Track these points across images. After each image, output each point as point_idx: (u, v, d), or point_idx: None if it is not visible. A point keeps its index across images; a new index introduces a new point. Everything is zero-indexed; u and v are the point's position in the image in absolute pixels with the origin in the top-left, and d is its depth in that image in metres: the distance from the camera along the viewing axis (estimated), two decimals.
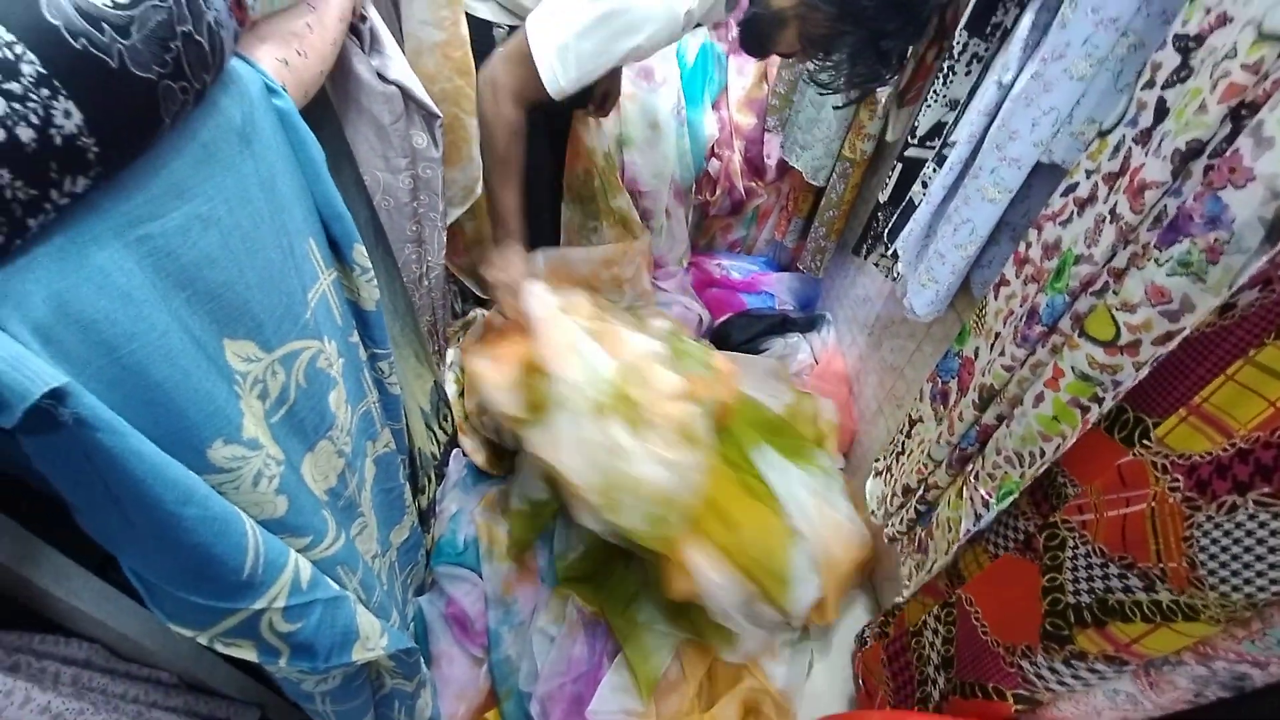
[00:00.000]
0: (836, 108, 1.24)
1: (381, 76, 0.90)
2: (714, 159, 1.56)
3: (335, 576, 0.62)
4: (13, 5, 0.31)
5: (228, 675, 0.75)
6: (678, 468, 0.96)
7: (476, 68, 1.02)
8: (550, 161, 1.29)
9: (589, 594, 1.12)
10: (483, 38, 1.05)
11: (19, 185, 0.31)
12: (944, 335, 1.16)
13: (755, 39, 0.92)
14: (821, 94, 1.04)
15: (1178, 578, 0.56)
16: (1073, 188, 0.76)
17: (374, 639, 0.62)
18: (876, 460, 1.23)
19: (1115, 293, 0.65)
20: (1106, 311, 0.66)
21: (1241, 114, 0.55)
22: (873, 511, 1.12)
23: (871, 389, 1.42)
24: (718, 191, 1.60)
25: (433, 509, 1.20)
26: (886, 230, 1.13)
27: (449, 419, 1.30)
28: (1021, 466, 0.79)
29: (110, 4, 0.36)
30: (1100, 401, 0.67)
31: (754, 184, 1.63)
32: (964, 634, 0.86)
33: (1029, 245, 0.82)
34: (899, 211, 1.09)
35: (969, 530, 0.86)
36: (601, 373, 0.97)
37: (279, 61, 0.61)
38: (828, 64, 0.85)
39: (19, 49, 0.31)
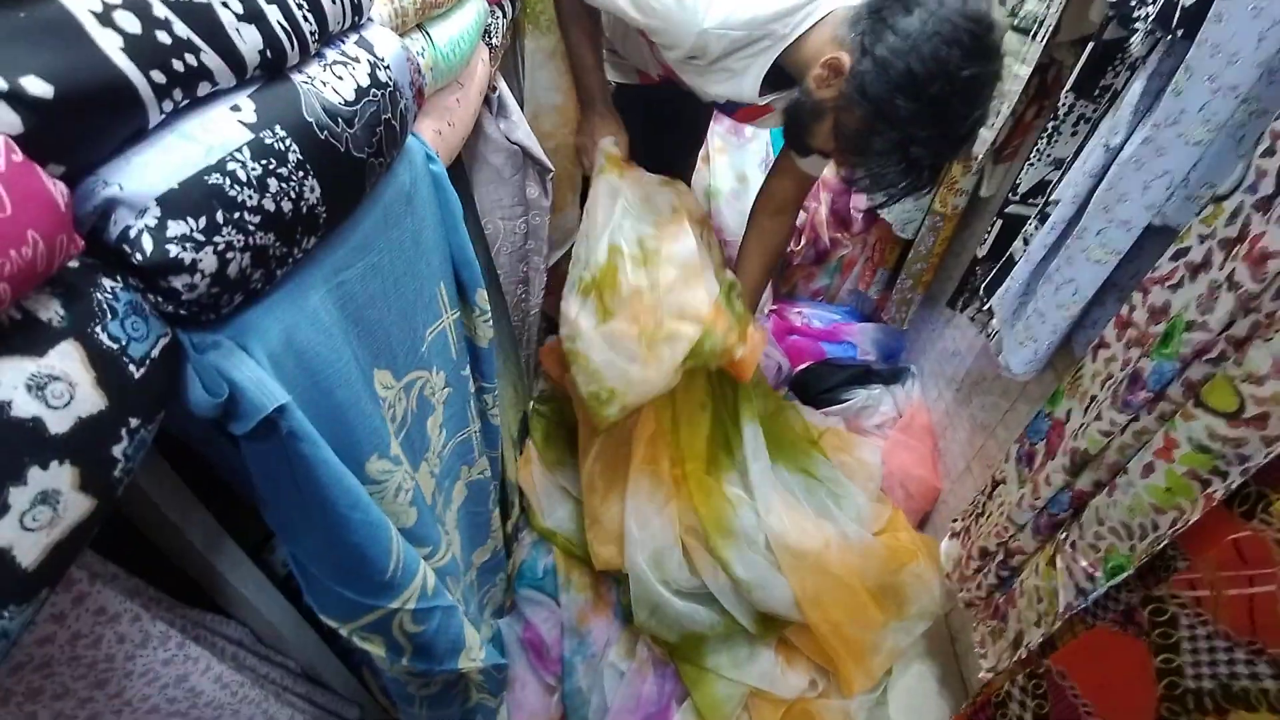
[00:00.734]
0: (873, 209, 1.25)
1: (506, 137, 1.01)
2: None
3: (443, 587, 0.69)
4: (285, 109, 0.41)
5: (338, 672, 0.82)
6: (616, 365, 0.99)
7: None
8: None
9: (660, 633, 1.14)
10: None
11: (278, 245, 0.40)
12: (1040, 395, 1.14)
13: (795, 129, 0.92)
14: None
15: None
16: (1184, 252, 0.75)
17: (475, 650, 0.68)
18: (954, 521, 1.20)
19: (1238, 363, 0.64)
20: (1228, 382, 0.65)
21: None
22: (948, 574, 1.09)
23: (959, 446, 1.39)
24: (803, 241, 1.64)
25: (517, 534, 1.27)
26: (984, 285, 1.13)
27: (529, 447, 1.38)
28: (1131, 539, 0.76)
29: (343, 102, 0.45)
30: (1224, 476, 0.65)
31: (839, 235, 1.66)
32: (1061, 713, 0.82)
33: (1133, 308, 0.81)
34: (998, 267, 1.09)
35: (1070, 604, 0.83)
36: (597, 254, 1.01)
37: (435, 132, 0.72)
38: (859, 167, 0.83)
39: (288, 141, 0.40)
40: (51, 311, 0.30)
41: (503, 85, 1.01)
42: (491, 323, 0.85)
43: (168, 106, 0.34)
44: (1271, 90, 0.71)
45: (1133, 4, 0.78)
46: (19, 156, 0.27)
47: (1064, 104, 0.96)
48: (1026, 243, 1.04)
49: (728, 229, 1.56)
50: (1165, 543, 0.71)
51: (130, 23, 0.32)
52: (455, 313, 0.79)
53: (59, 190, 0.29)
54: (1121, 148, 0.81)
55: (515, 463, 1.32)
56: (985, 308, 1.13)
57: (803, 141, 0.93)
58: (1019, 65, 1.03)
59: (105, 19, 0.31)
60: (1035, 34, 1.00)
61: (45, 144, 0.29)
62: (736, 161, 1.51)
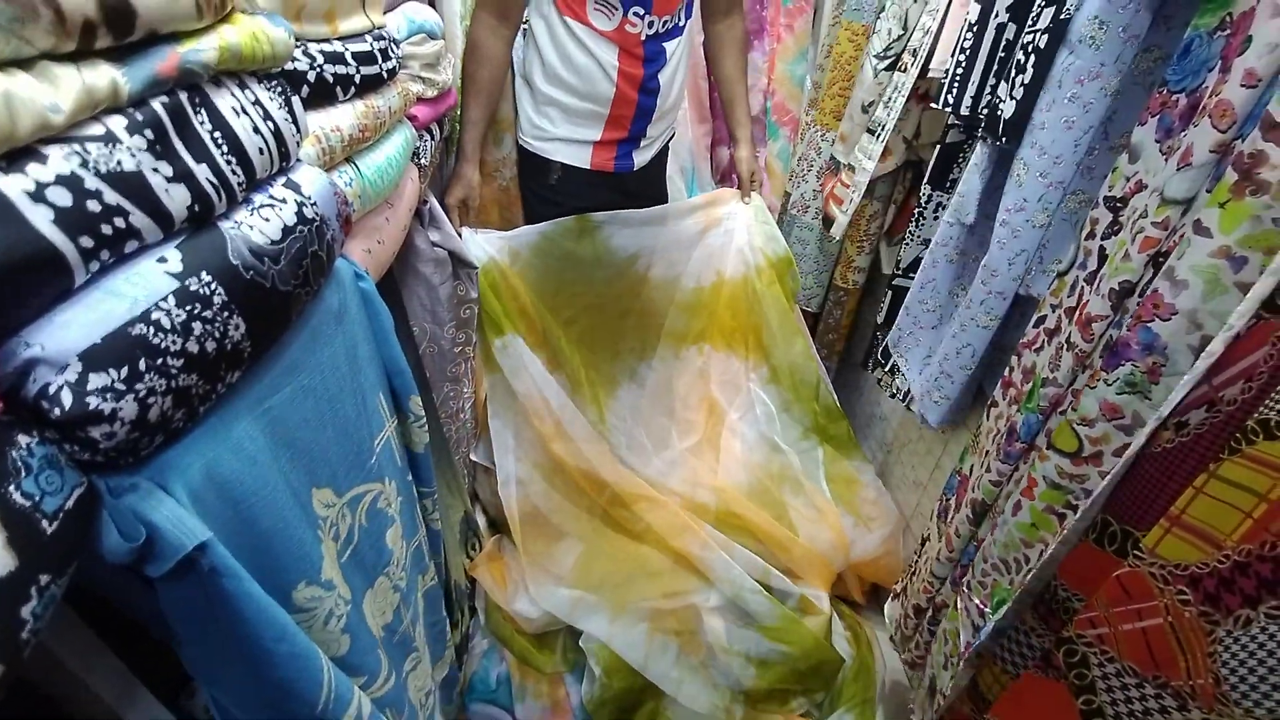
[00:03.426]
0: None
1: (436, 245, 1.06)
2: None
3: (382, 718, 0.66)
4: (210, 256, 0.44)
5: None
6: None
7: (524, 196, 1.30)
8: None
9: None
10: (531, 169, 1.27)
11: (201, 384, 0.42)
12: (958, 451, 1.22)
13: None
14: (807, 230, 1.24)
15: (1205, 695, 0.58)
16: (1042, 319, 0.86)
17: None
18: (895, 583, 1.24)
19: (1074, 409, 0.73)
20: (1068, 426, 0.74)
21: (1160, 260, 0.66)
22: (891, 636, 1.12)
23: (899, 506, 1.45)
24: None
25: (465, 644, 1.21)
26: (881, 351, 1.24)
27: (478, 548, 1.34)
28: (1010, 573, 0.82)
29: (270, 242, 0.49)
30: (1075, 509, 0.72)
31: None
32: None
33: (1011, 370, 0.91)
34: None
35: (969, 643, 0.87)
36: None
37: (365, 251, 0.75)
38: None
39: (213, 285, 0.43)
40: None
41: (433, 199, 1.07)
42: (426, 427, 0.86)
43: (94, 267, 0.37)
44: (1093, 184, 0.84)
45: (982, 116, 0.93)
46: None
47: (924, 194, 1.10)
48: (908, 311, 1.16)
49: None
50: (1048, 580, 0.77)
51: (61, 197, 0.34)
52: (394, 420, 0.80)
53: None
54: (971, 226, 0.94)
55: (462, 566, 1.28)
56: (888, 368, 1.22)
57: None
58: (866, 160, 1.18)
59: (37, 196, 0.33)
60: (879, 135, 1.15)
61: None
62: None
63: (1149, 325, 0.65)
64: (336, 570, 0.61)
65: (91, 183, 0.36)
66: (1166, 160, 0.69)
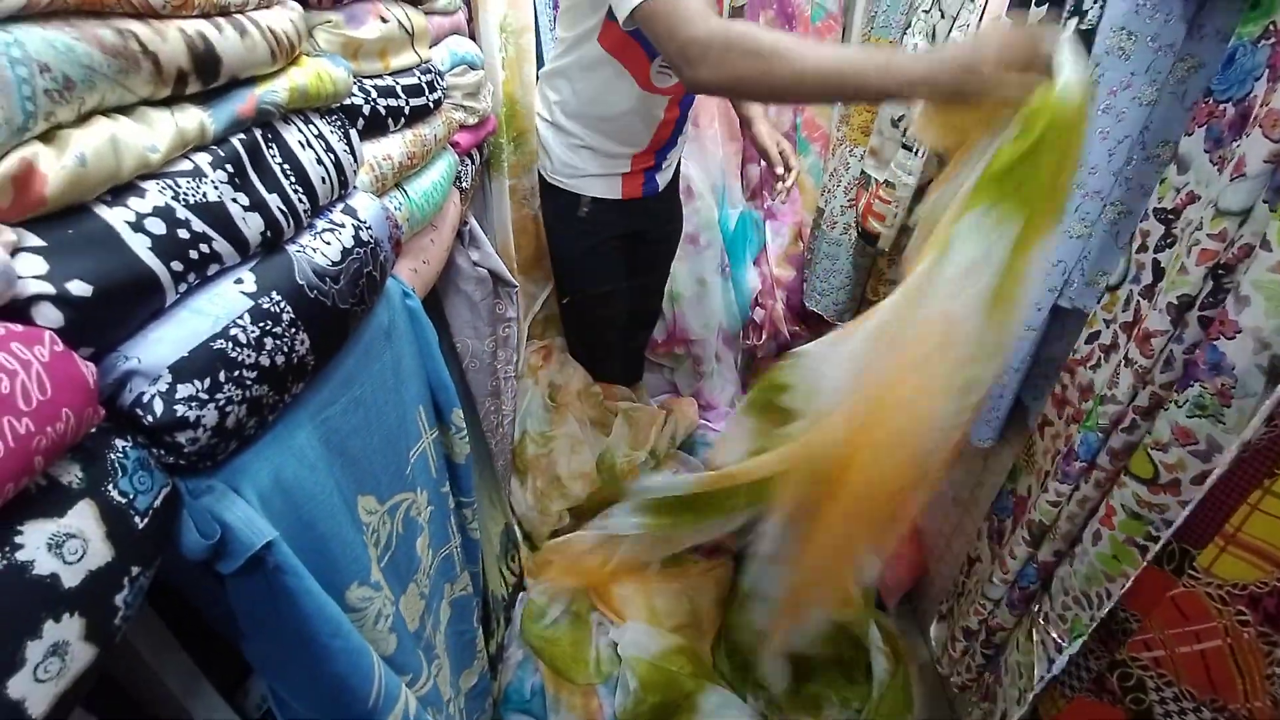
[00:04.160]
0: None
1: (477, 265, 1.11)
2: (759, 308, 1.73)
3: (425, 715, 0.69)
4: (280, 276, 0.48)
5: None
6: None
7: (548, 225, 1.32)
8: (626, 299, 1.43)
9: None
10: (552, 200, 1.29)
11: (271, 394, 0.46)
12: (1002, 469, 1.20)
13: None
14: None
15: (1263, 718, 0.56)
16: (1095, 335, 0.84)
17: None
18: (941, 603, 1.21)
19: (1149, 432, 0.72)
20: (1144, 451, 0.72)
21: (1220, 272, 0.65)
22: (938, 659, 1.10)
23: (937, 524, 1.42)
24: (764, 336, 1.74)
25: (500, 654, 1.24)
26: None
27: (517, 560, 1.37)
28: (1091, 609, 0.80)
29: (331, 263, 0.53)
30: (1156, 540, 0.70)
31: (798, 328, 1.77)
32: None
33: (1065, 387, 0.89)
34: None
35: (1043, 677, 0.85)
36: None
37: (412, 270, 0.80)
38: None
39: (282, 304, 0.47)
40: (71, 475, 0.35)
41: (473, 220, 1.12)
42: (468, 439, 0.89)
43: (183, 288, 0.41)
44: (1131, 194, 0.83)
45: None
46: (60, 347, 0.33)
47: None
48: None
49: (692, 329, 1.66)
50: (1110, 605, 0.75)
51: (158, 226, 0.39)
52: (434, 433, 0.83)
53: (89, 371, 0.34)
54: None
55: (500, 576, 1.31)
56: None
57: None
58: (906, 176, 1.18)
59: (137, 226, 0.38)
60: (917, 151, 1.15)
61: (81, 332, 0.35)
62: (695, 268, 1.63)
63: (1215, 344, 0.63)
64: (381, 575, 0.64)
65: (182, 213, 0.40)
66: (1219, 171, 0.68)
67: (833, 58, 0.73)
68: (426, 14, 0.86)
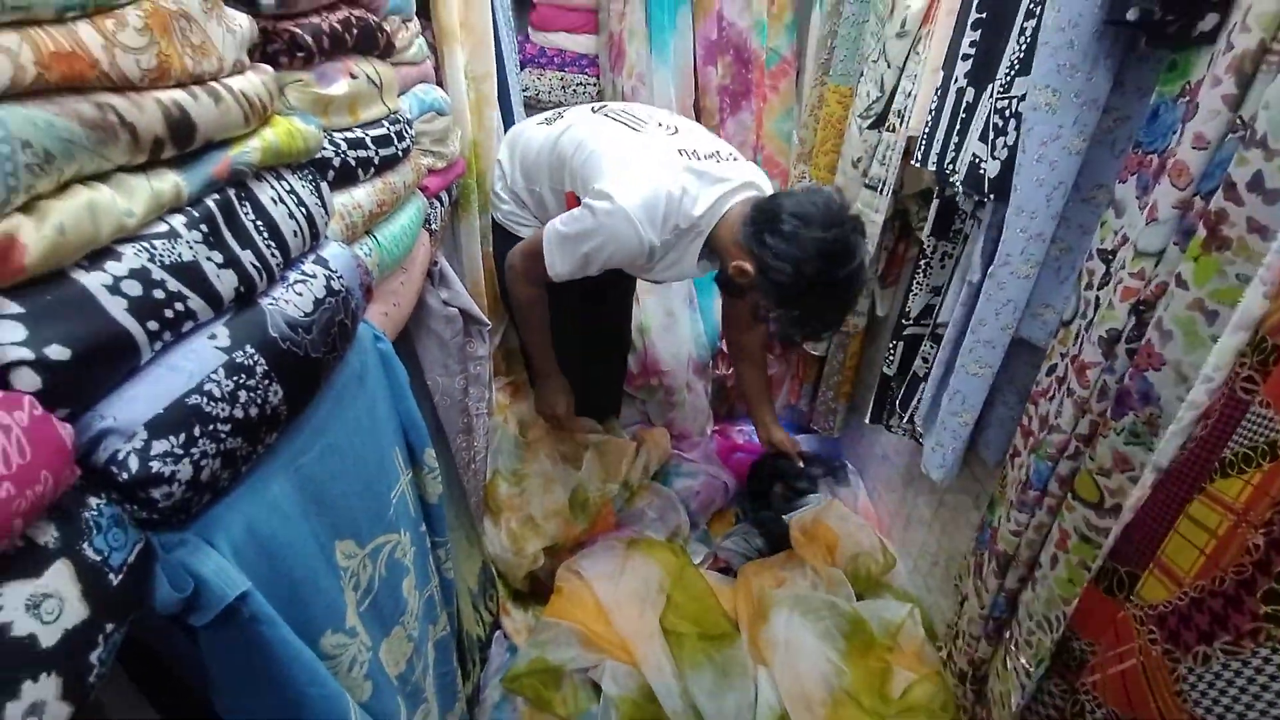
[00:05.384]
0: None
1: (447, 303, 1.13)
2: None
3: None
4: (253, 330, 0.49)
5: None
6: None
7: (498, 264, 1.36)
8: (576, 326, 1.46)
9: None
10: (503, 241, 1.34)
11: (244, 446, 0.47)
12: (963, 489, 1.24)
13: (728, 289, 1.24)
14: None
15: None
16: (1053, 369, 0.89)
17: None
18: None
19: (1092, 458, 0.76)
20: (1089, 477, 0.76)
21: (1141, 309, 0.70)
22: None
23: (906, 546, 1.46)
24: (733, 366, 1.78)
25: (477, 695, 1.22)
26: (899, 401, 1.27)
27: (495, 599, 1.36)
28: (1051, 632, 0.83)
29: (303, 314, 0.54)
30: (1098, 560, 0.74)
31: (769, 356, 1.81)
32: None
33: (1030, 419, 0.93)
34: (907, 383, 1.24)
35: (1019, 703, 0.88)
36: None
37: (383, 314, 0.81)
38: (775, 323, 1.09)
39: (255, 356, 0.48)
40: (48, 535, 0.35)
41: (443, 260, 1.14)
42: (440, 479, 0.90)
43: (158, 346, 0.42)
44: (1071, 233, 0.90)
45: (948, 173, 0.99)
46: (39, 411, 0.34)
47: (929, 245, 1.16)
48: (925, 360, 1.19)
49: (662, 360, 1.69)
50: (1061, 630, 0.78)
51: (134, 288, 0.40)
52: (409, 473, 0.84)
53: (67, 432, 0.35)
54: (979, 283, 0.99)
55: (477, 616, 1.30)
56: (906, 421, 1.25)
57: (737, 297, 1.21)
58: (874, 214, 1.24)
59: (114, 289, 0.39)
60: (880, 190, 1.22)
61: (58, 395, 0.36)
62: (663, 300, 1.67)
63: (1144, 374, 0.68)
64: (357, 618, 0.64)
65: (157, 274, 0.42)
66: (1143, 215, 0.74)
67: (534, 345, 1.34)
68: (395, 65, 0.90)
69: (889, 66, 1.19)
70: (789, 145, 1.65)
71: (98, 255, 0.40)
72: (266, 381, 0.49)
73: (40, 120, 0.36)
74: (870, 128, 1.25)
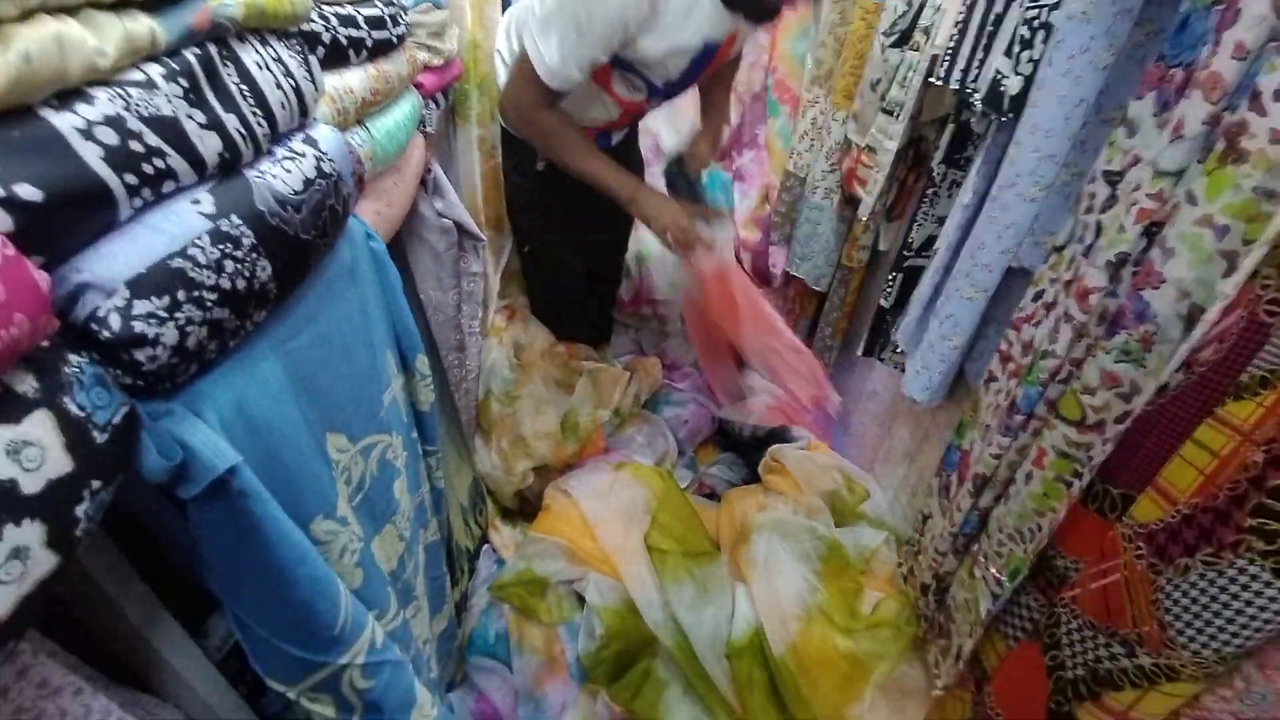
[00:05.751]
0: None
1: (441, 214, 1.09)
2: None
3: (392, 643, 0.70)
4: (240, 200, 0.47)
5: None
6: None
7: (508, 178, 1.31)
8: (581, 249, 1.44)
9: (617, 691, 1.15)
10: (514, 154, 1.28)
11: (232, 319, 0.45)
12: (948, 423, 1.26)
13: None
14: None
15: (1153, 640, 0.62)
16: (1040, 294, 0.89)
17: (428, 708, 0.69)
18: (899, 564, 1.28)
19: (1078, 379, 0.76)
20: (1073, 396, 0.77)
21: (1153, 230, 0.69)
22: None
23: (886, 479, 1.49)
24: None
25: (464, 602, 1.26)
26: (894, 331, 1.27)
27: (484, 514, 1.39)
28: (1024, 543, 0.86)
29: (292, 191, 0.52)
30: (1080, 477, 0.76)
31: (762, 290, 1.79)
32: None
33: (1010, 345, 0.94)
34: (905, 315, 1.23)
35: (989, 610, 0.91)
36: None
37: (375, 213, 0.78)
38: None
39: (242, 227, 0.46)
40: (26, 384, 0.34)
41: (437, 168, 1.10)
42: (432, 387, 0.90)
43: (137, 203, 0.40)
44: (1084, 157, 0.87)
45: (969, 92, 0.95)
46: (11, 251, 0.32)
47: (938, 173, 1.12)
48: None
49: (658, 289, 1.67)
50: (1047, 548, 0.81)
51: (109, 136, 0.37)
52: (401, 378, 0.83)
53: (42, 278, 0.34)
54: (972, 205, 0.96)
55: (466, 529, 1.32)
56: (899, 350, 1.25)
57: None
58: (888, 141, 1.20)
59: (87, 134, 0.36)
60: (897, 115, 1.17)
61: (32, 239, 0.34)
62: None
63: (1141, 294, 0.68)
64: (349, 510, 0.65)
65: (134, 125, 0.39)
66: (1162, 133, 0.71)
67: (590, 169, 1.13)
68: None
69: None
70: (802, 67, 1.57)
71: (68, 96, 0.37)
72: (254, 255, 0.47)
73: None
74: (893, 45, 1.19)
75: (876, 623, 1.22)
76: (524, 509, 1.49)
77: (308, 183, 0.54)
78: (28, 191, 0.33)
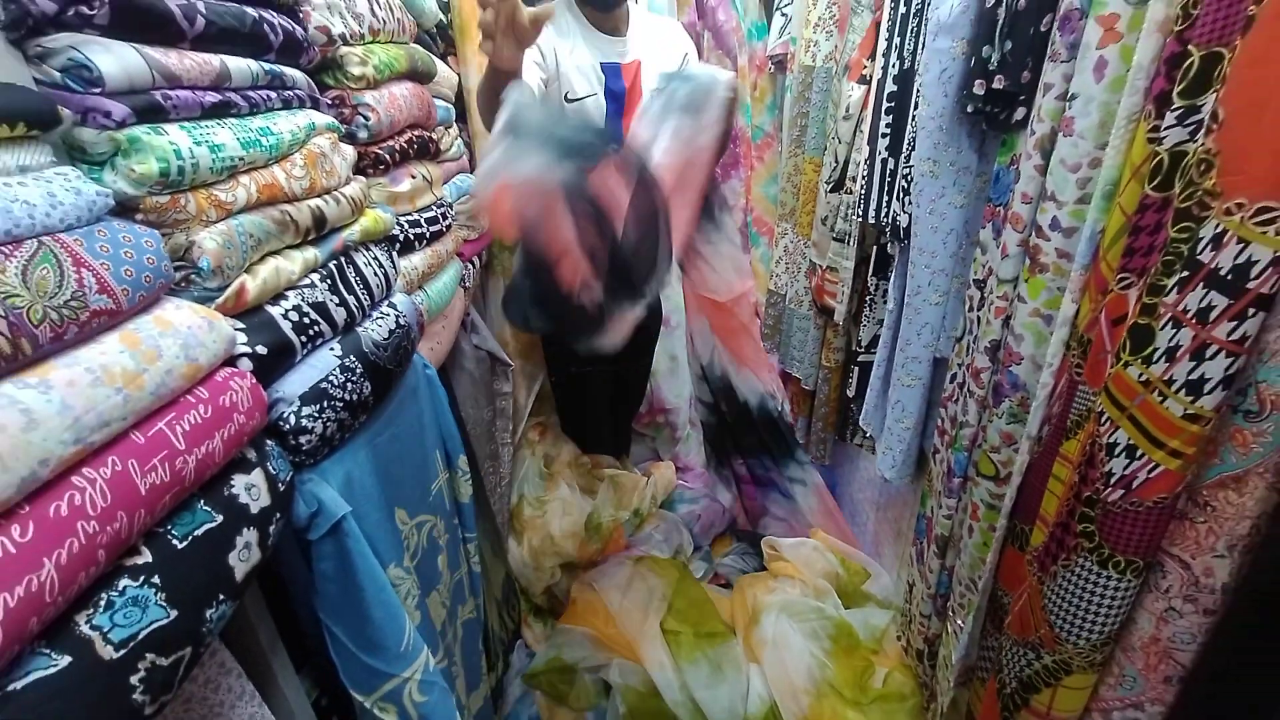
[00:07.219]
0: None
1: (477, 347, 1.42)
2: None
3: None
4: (354, 346, 0.78)
5: None
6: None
7: None
8: (607, 379, 1.74)
9: None
10: None
11: (348, 419, 0.75)
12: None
13: None
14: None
15: (1049, 640, 0.79)
16: (954, 376, 1.14)
17: None
18: (898, 636, 1.42)
19: (986, 441, 0.99)
20: (986, 455, 0.99)
21: (1008, 321, 0.95)
22: None
23: (890, 559, 1.64)
24: None
25: (501, 691, 1.43)
26: (862, 418, 1.51)
27: (517, 609, 1.59)
28: (975, 592, 1.04)
29: (382, 338, 0.83)
30: (1000, 523, 0.96)
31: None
32: None
33: (942, 420, 1.17)
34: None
35: (958, 658, 1.07)
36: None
37: (429, 349, 1.11)
38: None
39: (355, 363, 0.77)
40: (251, 453, 0.63)
41: (474, 311, 1.45)
42: (470, 481, 1.17)
43: (305, 352, 0.71)
44: (966, 269, 1.15)
45: (883, 225, 1.27)
46: (252, 381, 0.63)
47: (872, 284, 1.42)
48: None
49: (667, 400, 1.96)
50: (991, 584, 0.99)
51: (294, 315, 0.70)
52: (446, 473, 1.11)
53: (262, 395, 0.64)
54: (895, 310, 1.24)
55: (501, 619, 1.52)
56: (868, 435, 1.48)
57: None
58: (845, 261, 1.52)
59: (285, 316, 0.69)
60: (846, 241, 1.50)
61: (259, 374, 0.65)
62: (667, 346, 1.95)
63: (1010, 369, 0.93)
64: (411, 566, 0.90)
65: (306, 309, 0.72)
66: (999, 252, 1.00)
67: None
68: (440, 163, 1.23)
69: (840, 142, 1.50)
70: (775, 205, 1.95)
71: (276, 297, 0.70)
72: (362, 380, 0.77)
73: (257, 221, 0.66)
74: (832, 191, 1.55)
75: (884, 695, 1.34)
76: (553, 607, 1.69)
77: (391, 332, 0.86)
78: (260, 349, 0.64)
